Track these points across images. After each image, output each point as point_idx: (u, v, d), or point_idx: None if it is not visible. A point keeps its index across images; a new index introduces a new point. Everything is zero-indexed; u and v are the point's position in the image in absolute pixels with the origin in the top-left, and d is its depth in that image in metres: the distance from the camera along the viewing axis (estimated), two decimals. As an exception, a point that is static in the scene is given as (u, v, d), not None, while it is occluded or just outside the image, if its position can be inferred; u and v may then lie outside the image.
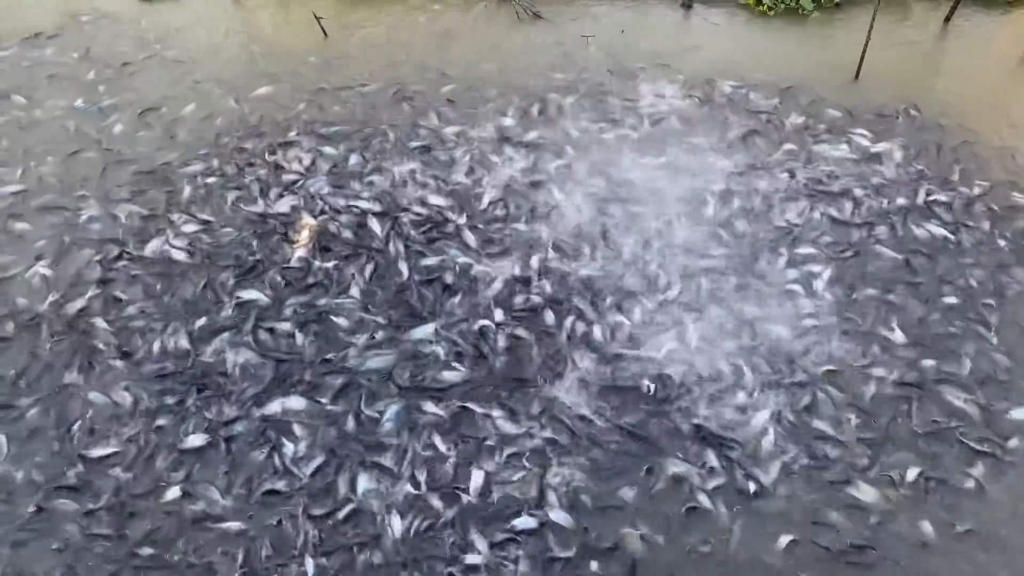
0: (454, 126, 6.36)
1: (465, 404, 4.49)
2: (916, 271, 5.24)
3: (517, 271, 5.20)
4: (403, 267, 5.24)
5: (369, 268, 5.24)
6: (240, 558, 3.91)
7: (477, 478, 4.17)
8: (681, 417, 4.42)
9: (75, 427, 4.44)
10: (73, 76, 6.99)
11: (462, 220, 5.55)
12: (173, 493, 4.16)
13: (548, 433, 4.36)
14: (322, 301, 5.07)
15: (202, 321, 4.95)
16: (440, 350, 4.77)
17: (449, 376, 4.64)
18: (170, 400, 4.56)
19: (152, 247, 5.43)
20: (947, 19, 7.48)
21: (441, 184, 5.85)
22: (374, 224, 5.53)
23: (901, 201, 5.71)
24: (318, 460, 4.27)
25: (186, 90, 6.80)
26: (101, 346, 4.83)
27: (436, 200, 5.71)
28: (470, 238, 5.41)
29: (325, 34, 7.37)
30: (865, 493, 4.11)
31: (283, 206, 5.70)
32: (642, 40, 7.33)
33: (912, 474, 4.17)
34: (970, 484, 4.16)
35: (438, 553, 3.92)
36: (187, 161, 6.09)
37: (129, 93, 6.79)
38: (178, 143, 6.27)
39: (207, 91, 6.79)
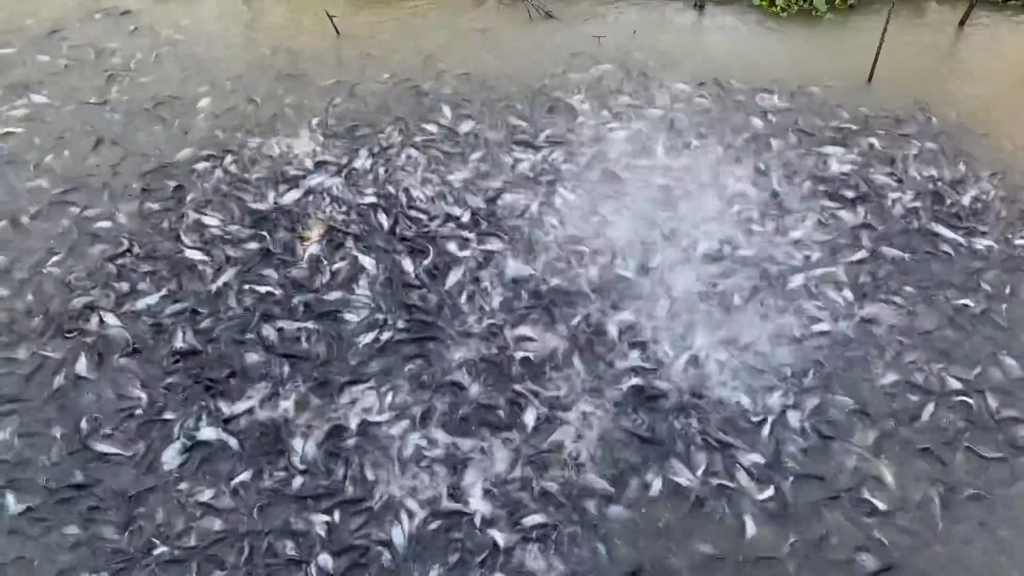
0: (466, 123, 6.35)
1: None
2: (929, 274, 5.20)
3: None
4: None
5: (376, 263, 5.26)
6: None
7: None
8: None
9: (83, 422, 4.47)
10: (87, 71, 7.01)
11: (467, 217, 5.55)
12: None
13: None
14: (332, 296, 5.09)
15: (211, 318, 4.97)
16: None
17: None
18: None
19: (164, 242, 5.44)
20: (962, 22, 7.43)
21: (450, 181, 5.85)
22: (382, 219, 5.54)
23: (914, 204, 5.67)
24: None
25: (199, 86, 6.80)
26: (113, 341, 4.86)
27: (445, 196, 5.71)
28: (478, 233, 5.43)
29: (337, 32, 7.36)
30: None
31: (293, 203, 5.70)
32: (654, 40, 7.30)
33: None
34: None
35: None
36: (199, 157, 6.09)
37: (142, 89, 6.80)
38: (190, 139, 6.28)
39: (220, 87, 6.79)
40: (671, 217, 5.54)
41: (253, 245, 5.42)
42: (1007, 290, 5.11)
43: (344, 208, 5.65)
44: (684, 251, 5.33)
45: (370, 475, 4.23)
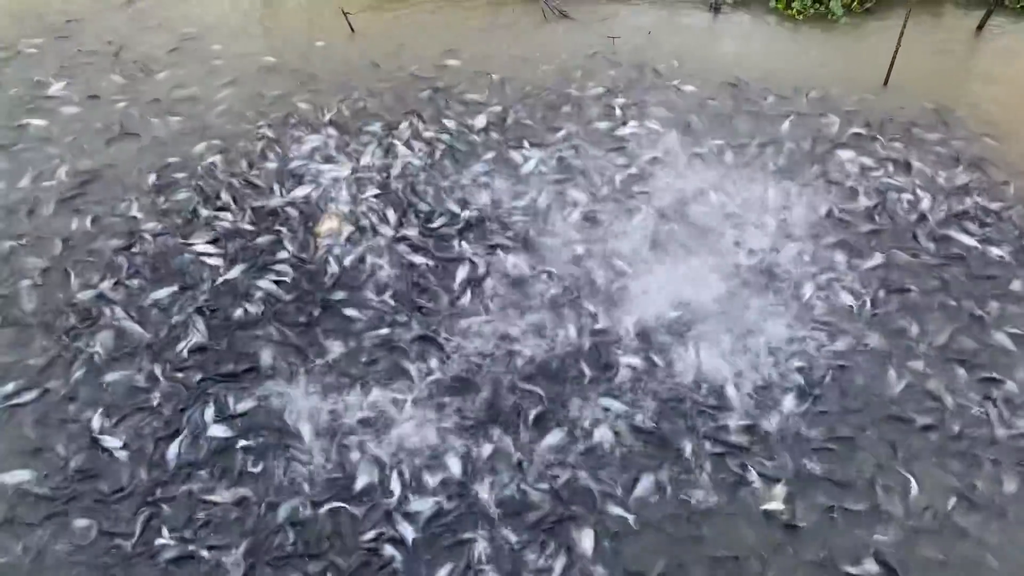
0: (479, 121, 6.35)
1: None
2: (947, 281, 5.16)
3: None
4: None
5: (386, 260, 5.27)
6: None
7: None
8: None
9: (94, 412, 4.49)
10: (105, 64, 7.06)
11: (475, 215, 5.56)
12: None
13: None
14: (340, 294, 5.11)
15: (222, 312, 4.99)
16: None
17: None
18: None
19: (177, 236, 5.46)
20: (979, 27, 7.37)
21: (461, 178, 5.85)
22: (391, 215, 5.57)
23: (929, 210, 5.63)
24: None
25: (215, 81, 6.84)
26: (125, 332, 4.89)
27: (457, 195, 5.72)
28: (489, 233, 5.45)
29: (352, 29, 7.38)
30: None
31: (307, 197, 5.71)
32: (669, 42, 7.27)
33: None
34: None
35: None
36: (216, 152, 6.12)
37: (159, 83, 6.84)
38: (207, 135, 6.31)
39: (235, 83, 6.82)
40: (679, 220, 5.54)
41: (265, 239, 5.44)
42: None
43: (355, 204, 5.66)
44: (688, 251, 5.32)
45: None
